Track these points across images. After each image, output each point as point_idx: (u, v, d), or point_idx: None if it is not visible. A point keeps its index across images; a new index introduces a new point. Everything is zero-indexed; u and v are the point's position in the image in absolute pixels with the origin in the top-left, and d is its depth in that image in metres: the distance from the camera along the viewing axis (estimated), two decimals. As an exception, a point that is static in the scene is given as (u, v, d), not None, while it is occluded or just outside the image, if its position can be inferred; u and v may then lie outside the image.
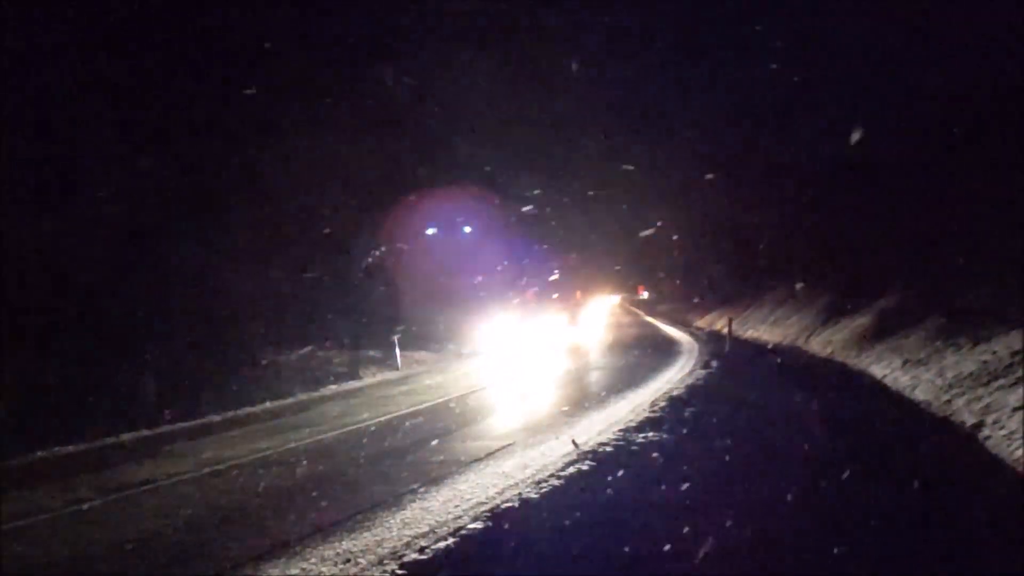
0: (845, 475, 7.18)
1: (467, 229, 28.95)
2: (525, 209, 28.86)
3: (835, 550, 5.26)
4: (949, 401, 10.76)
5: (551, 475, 7.44)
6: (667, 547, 5.38)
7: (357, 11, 20.14)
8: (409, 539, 5.91)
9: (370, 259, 22.22)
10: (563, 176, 33.48)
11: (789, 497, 6.55)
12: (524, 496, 6.74)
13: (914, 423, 10.75)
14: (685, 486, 6.87)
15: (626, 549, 5.48)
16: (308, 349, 19.20)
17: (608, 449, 8.49)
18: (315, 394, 16.14)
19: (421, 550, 5.55)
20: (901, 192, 24.13)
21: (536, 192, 28.40)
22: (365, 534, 6.17)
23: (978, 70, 19.83)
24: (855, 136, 18.61)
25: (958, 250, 18.86)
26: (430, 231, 27.27)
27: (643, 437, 9.09)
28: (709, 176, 32.60)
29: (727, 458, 8.17)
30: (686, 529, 5.71)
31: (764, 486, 7.09)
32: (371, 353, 21.44)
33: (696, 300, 50.08)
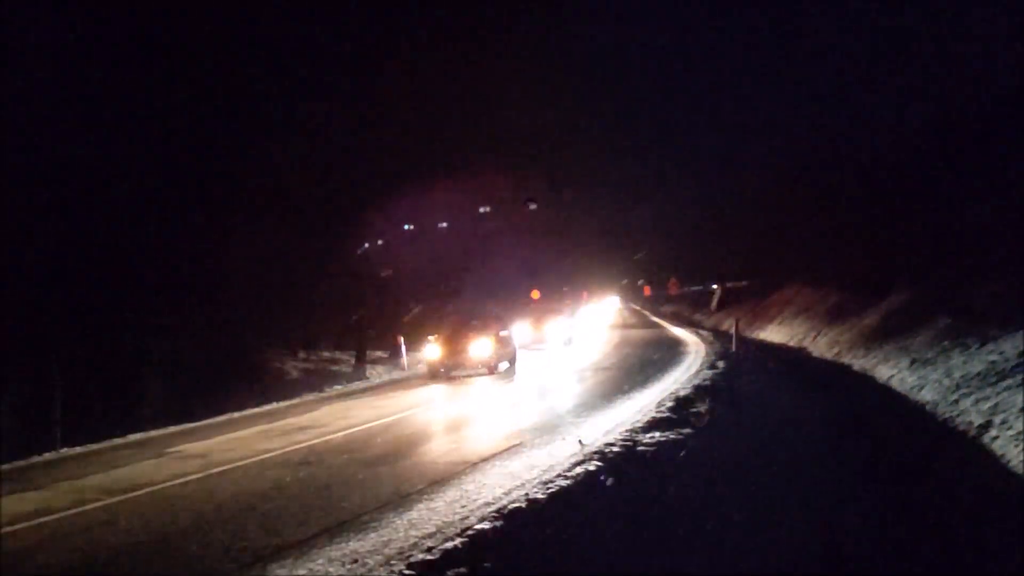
0: (851, 477, 7.16)
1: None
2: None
3: (838, 553, 5.26)
4: (956, 401, 10.71)
5: (558, 475, 7.46)
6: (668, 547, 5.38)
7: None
8: (417, 539, 5.97)
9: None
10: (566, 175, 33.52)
11: (792, 500, 6.55)
12: (531, 496, 6.77)
13: (921, 423, 10.72)
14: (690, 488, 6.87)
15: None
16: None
17: (616, 449, 8.49)
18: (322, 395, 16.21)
19: (428, 550, 5.60)
20: (908, 191, 24.09)
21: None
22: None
23: (981, 72, 19.82)
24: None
25: (966, 249, 18.80)
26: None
27: (650, 437, 9.09)
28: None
29: (735, 460, 8.16)
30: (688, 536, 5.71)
31: (771, 487, 7.10)
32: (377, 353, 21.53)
33: (702, 300, 50.03)
